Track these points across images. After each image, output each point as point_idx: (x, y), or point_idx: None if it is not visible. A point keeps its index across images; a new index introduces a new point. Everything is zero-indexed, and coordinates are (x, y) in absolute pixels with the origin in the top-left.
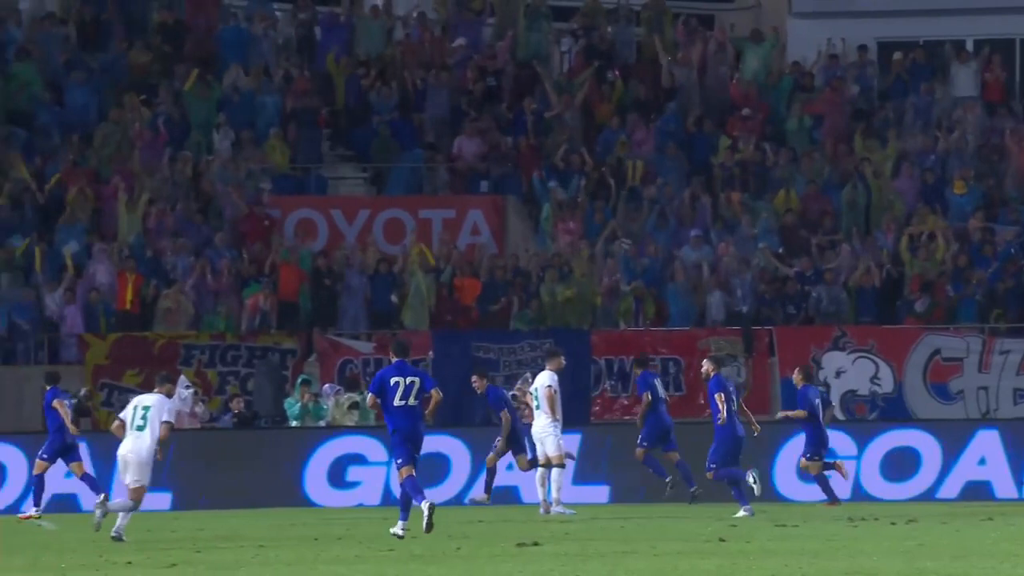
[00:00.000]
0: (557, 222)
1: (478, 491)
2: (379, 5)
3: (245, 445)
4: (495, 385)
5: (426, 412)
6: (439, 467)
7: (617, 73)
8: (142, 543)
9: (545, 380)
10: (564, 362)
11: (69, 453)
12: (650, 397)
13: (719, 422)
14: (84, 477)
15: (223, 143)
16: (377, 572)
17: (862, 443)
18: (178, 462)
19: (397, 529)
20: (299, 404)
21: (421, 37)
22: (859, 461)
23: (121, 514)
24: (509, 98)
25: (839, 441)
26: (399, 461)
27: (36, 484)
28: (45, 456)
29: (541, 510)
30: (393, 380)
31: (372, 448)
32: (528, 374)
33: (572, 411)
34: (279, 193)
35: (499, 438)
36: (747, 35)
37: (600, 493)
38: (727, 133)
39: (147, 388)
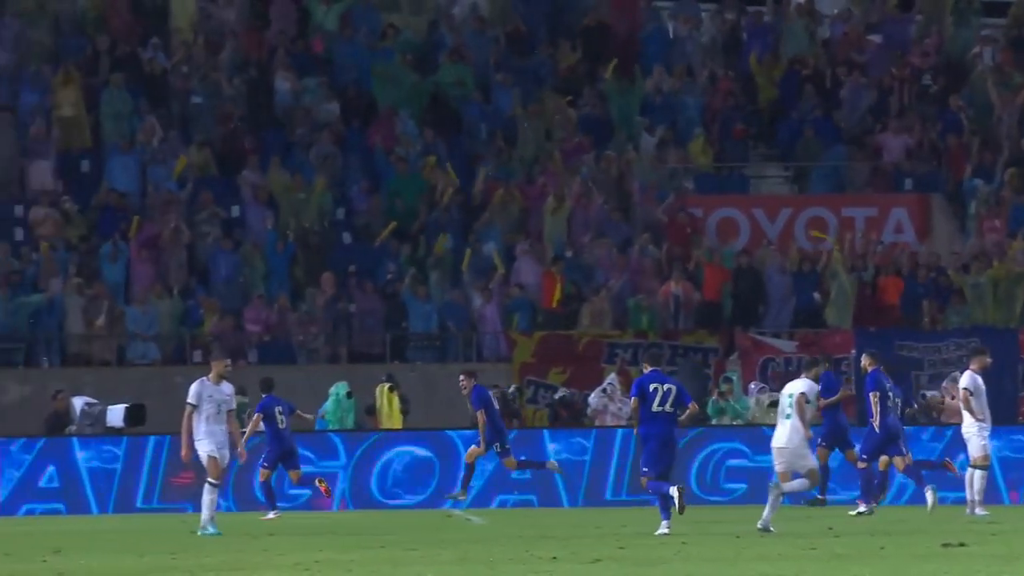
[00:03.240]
0: (983, 219)
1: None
2: (802, 4)
3: None
4: (481, 385)
5: (680, 419)
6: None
7: None
8: (566, 539)
9: (963, 382)
10: (989, 361)
11: (289, 459)
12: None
13: (872, 421)
14: (301, 482)
15: (648, 143)
16: (798, 570)
17: None
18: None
19: (662, 529)
20: (712, 401)
21: (844, 35)
22: None
23: (769, 506)
24: (936, 95)
25: None
26: (645, 470)
27: (264, 491)
28: (266, 464)
29: (967, 510)
30: (652, 386)
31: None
32: (957, 372)
33: (998, 412)
34: (701, 192)
35: (479, 437)
36: None
37: None
38: None
39: (572, 386)
